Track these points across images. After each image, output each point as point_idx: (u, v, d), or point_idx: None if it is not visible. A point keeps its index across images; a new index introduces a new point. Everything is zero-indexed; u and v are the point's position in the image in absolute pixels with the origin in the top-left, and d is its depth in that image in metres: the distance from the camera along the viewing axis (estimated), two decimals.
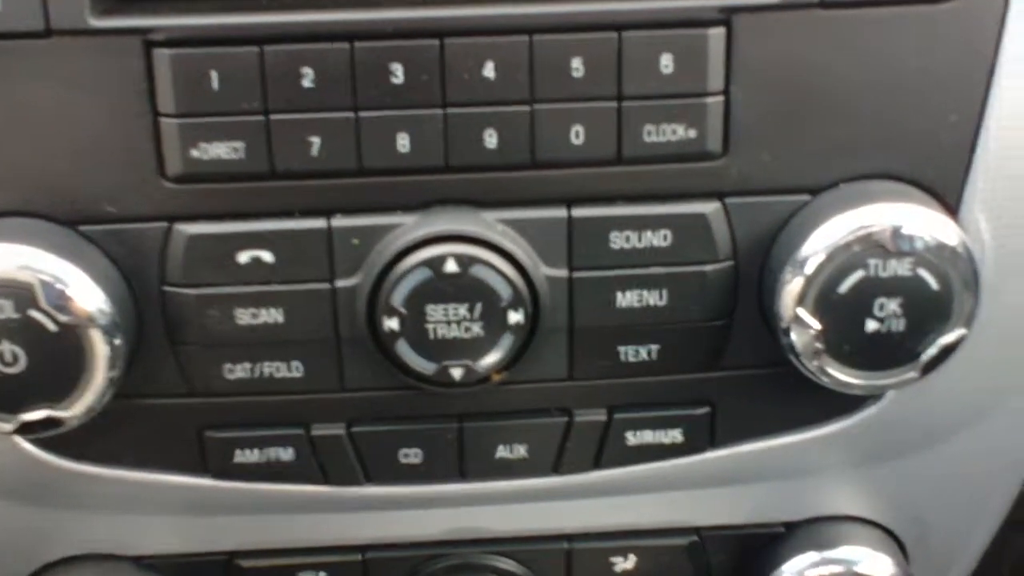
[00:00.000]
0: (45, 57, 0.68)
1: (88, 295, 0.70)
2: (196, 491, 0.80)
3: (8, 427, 0.72)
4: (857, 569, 0.85)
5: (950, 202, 0.74)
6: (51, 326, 0.69)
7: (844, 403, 0.80)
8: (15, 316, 0.69)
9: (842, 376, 0.74)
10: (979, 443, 0.85)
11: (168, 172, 0.71)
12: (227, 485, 0.80)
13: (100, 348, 0.70)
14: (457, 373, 0.73)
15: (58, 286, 0.69)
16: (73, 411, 0.71)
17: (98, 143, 0.70)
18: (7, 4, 0.67)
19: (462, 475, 0.81)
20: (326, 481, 0.80)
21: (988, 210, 0.74)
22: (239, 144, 0.71)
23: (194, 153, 0.70)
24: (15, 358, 0.70)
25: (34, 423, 0.71)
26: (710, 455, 0.82)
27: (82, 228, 0.72)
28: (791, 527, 0.88)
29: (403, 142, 0.71)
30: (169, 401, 0.77)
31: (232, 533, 0.85)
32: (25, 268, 0.69)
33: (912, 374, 0.74)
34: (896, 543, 0.89)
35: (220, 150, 0.71)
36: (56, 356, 0.70)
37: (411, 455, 0.80)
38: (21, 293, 0.68)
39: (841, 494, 0.86)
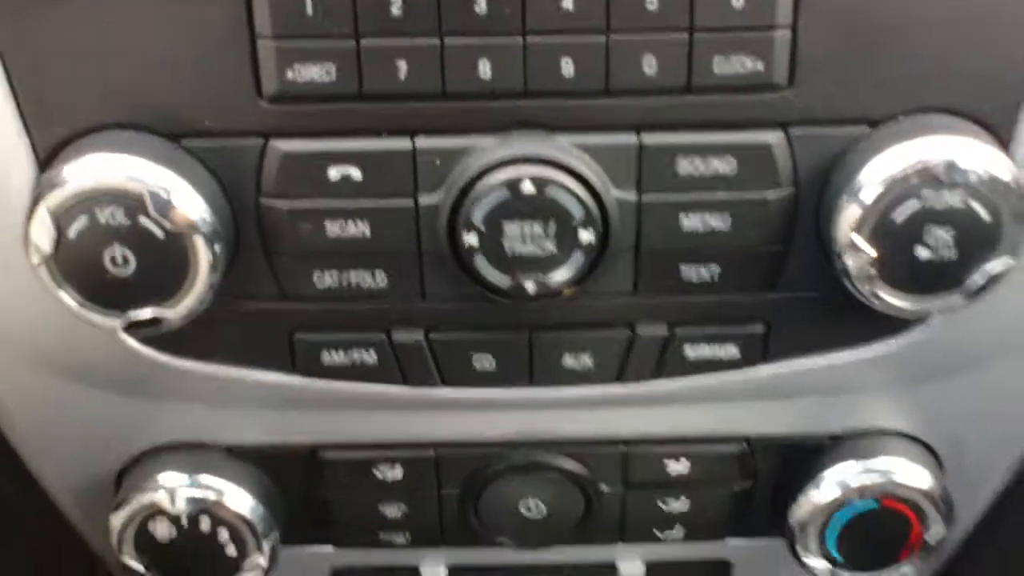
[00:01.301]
0: None
1: (191, 205, 0.75)
2: (284, 388, 0.86)
3: (117, 324, 0.78)
4: (895, 479, 0.90)
5: (1004, 137, 0.77)
6: (158, 233, 0.75)
7: (891, 325, 0.84)
8: (126, 223, 0.74)
9: (892, 300, 0.78)
10: (1019, 369, 0.89)
11: (264, 92, 0.76)
12: (313, 383, 0.86)
13: (203, 254, 0.75)
14: (531, 287, 0.78)
15: (164, 196, 0.74)
16: (176, 311, 0.77)
17: (200, 62, 0.75)
18: None
19: (531, 381, 0.86)
20: (405, 382, 0.86)
21: None
22: (331, 66, 0.75)
23: (289, 74, 0.75)
24: (125, 261, 0.75)
25: (140, 321, 0.77)
26: (763, 369, 0.86)
27: (184, 142, 0.77)
28: (836, 439, 0.93)
29: (484, 68, 0.75)
30: (263, 305, 0.83)
31: (315, 427, 0.91)
32: (134, 179, 0.74)
33: (958, 299, 0.78)
34: (934, 458, 0.94)
35: (313, 72, 0.75)
36: (162, 260, 0.75)
37: (484, 361, 0.85)
38: (131, 202, 0.74)
39: (884, 410, 0.91)
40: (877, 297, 0.78)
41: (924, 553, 0.93)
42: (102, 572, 1.11)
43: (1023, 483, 0.99)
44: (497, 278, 0.78)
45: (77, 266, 0.75)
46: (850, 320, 0.84)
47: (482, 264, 0.78)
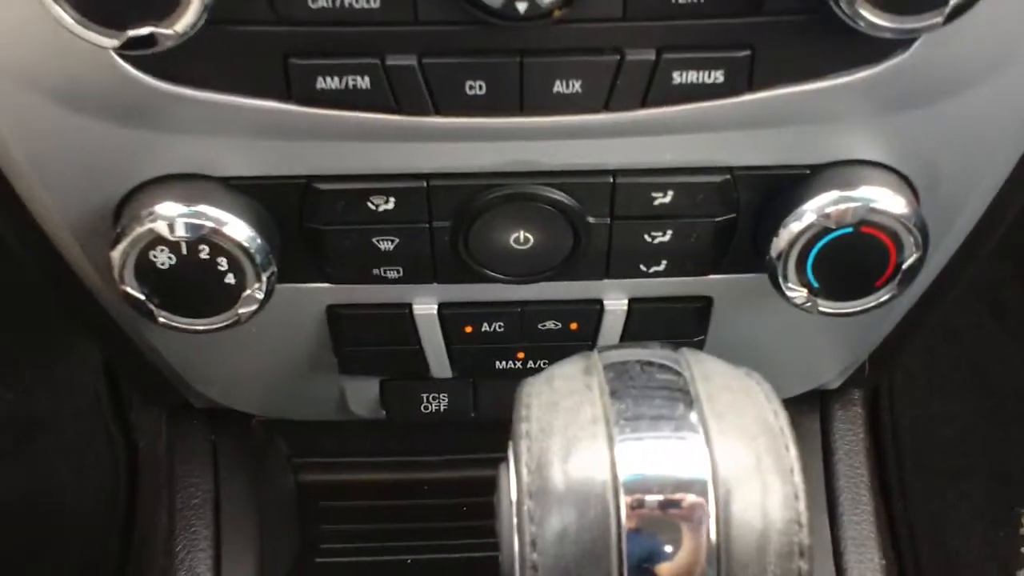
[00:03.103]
0: None
1: None
2: (280, 115, 0.87)
3: (115, 42, 0.78)
4: (873, 206, 0.92)
5: None
6: None
7: (874, 50, 0.86)
8: None
9: (874, 18, 0.80)
10: (995, 97, 0.91)
11: None
12: (309, 111, 0.87)
13: None
14: (522, 7, 0.79)
15: None
16: (174, 29, 0.78)
17: None
18: None
19: (521, 108, 0.87)
20: (398, 109, 0.87)
21: None
22: None
23: None
24: None
25: (137, 39, 0.78)
26: (747, 97, 0.88)
27: None
28: (816, 169, 0.95)
29: None
30: (257, 28, 0.83)
31: (311, 158, 0.92)
32: None
33: (939, 19, 0.80)
34: (910, 188, 0.97)
35: None
36: None
37: (476, 87, 0.86)
38: None
39: (864, 140, 0.93)
40: (861, 17, 0.80)
41: (900, 279, 0.97)
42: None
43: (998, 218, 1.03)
44: None
45: None
46: (834, 46, 0.86)
47: None
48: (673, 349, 0.79)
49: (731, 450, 0.71)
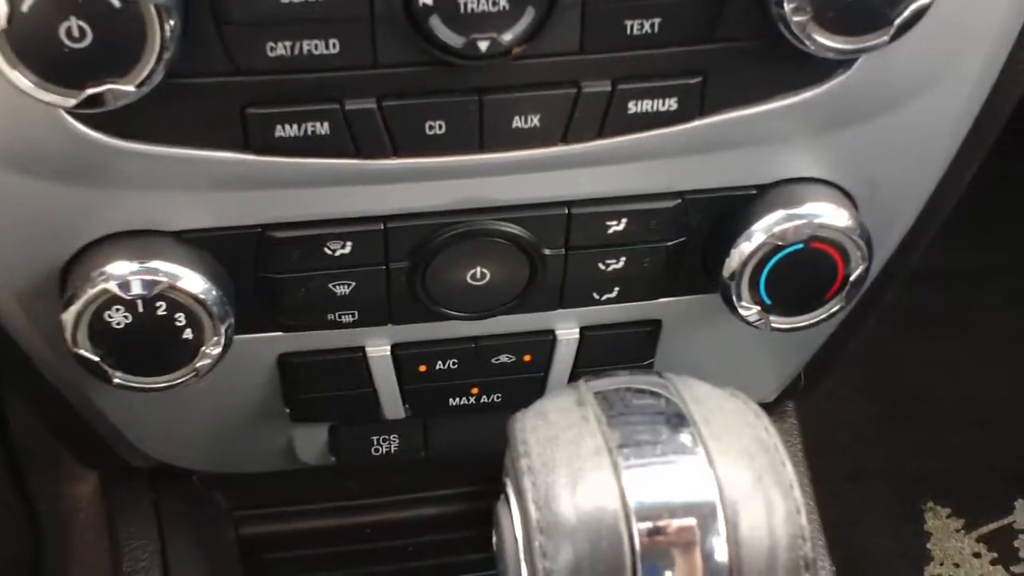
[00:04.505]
0: None
1: None
2: (235, 166, 0.86)
3: (73, 101, 0.76)
4: (820, 222, 0.95)
5: None
6: (115, 1, 0.73)
7: (818, 71, 0.89)
8: None
9: (824, 40, 0.83)
10: (928, 109, 0.95)
11: None
12: (266, 160, 0.85)
13: (158, 24, 0.74)
14: (483, 45, 0.79)
15: None
16: (132, 85, 0.76)
17: None
18: None
19: (481, 146, 0.88)
20: (358, 154, 0.86)
21: None
22: None
23: None
24: (82, 33, 0.73)
25: (94, 97, 0.76)
26: (698, 123, 0.90)
27: None
28: (762, 189, 0.97)
29: None
30: (214, 80, 0.81)
31: (265, 207, 0.91)
32: None
33: (885, 38, 0.83)
34: (851, 202, 1.00)
35: None
36: (118, 31, 0.74)
37: (435, 127, 0.86)
38: None
39: (807, 157, 0.96)
40: (810, 39, 0.82)
41: (848, 291, 0.99)
42: None
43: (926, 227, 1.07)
44: (451, 38, 0.79)
45: (32, 41, 0.73)
46: (781, 69, 0.88)
47: (436, 24, 0.78)
48: (658, 375, 0.80)
49: (733, 470, 0.72)
